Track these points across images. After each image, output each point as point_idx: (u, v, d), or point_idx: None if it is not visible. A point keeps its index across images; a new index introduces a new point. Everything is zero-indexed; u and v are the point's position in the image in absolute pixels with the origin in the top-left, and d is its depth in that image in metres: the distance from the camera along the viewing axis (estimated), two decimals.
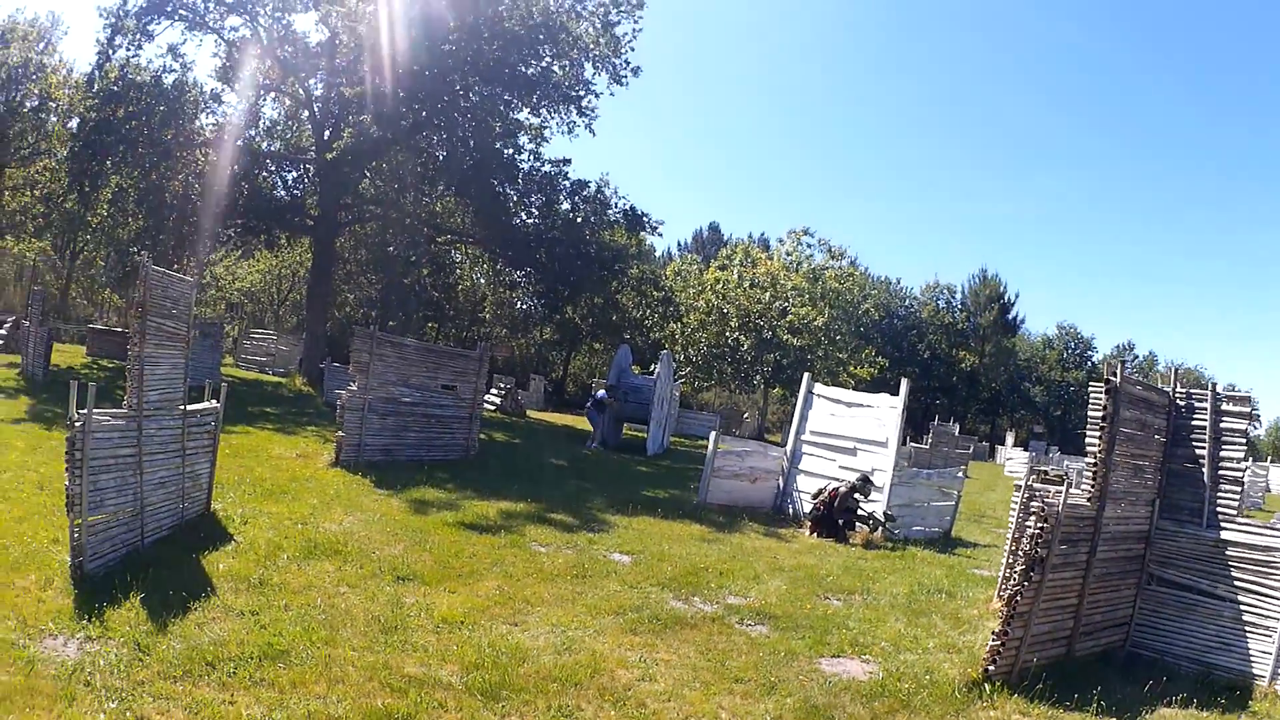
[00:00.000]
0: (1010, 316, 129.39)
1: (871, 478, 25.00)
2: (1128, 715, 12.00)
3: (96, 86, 45.94)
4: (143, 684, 9.18)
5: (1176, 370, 15.57)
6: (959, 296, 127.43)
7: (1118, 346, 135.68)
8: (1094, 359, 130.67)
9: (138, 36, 46.41)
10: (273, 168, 53.12)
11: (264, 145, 52.32)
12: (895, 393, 27.81)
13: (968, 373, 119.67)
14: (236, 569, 13.43)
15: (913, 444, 58.71)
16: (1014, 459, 73.41)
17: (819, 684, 11.76)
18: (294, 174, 55.16)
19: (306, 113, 50.29)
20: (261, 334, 66.07)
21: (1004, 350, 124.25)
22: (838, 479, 25.60)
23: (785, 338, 69.01)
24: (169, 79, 47.26)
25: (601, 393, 42.55)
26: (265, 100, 51.88)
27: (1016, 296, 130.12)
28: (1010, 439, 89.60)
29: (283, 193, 53.90)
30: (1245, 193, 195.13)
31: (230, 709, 8.85)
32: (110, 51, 45.88)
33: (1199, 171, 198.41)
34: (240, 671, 9.68)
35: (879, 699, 11.44)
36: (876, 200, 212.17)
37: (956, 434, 66.78)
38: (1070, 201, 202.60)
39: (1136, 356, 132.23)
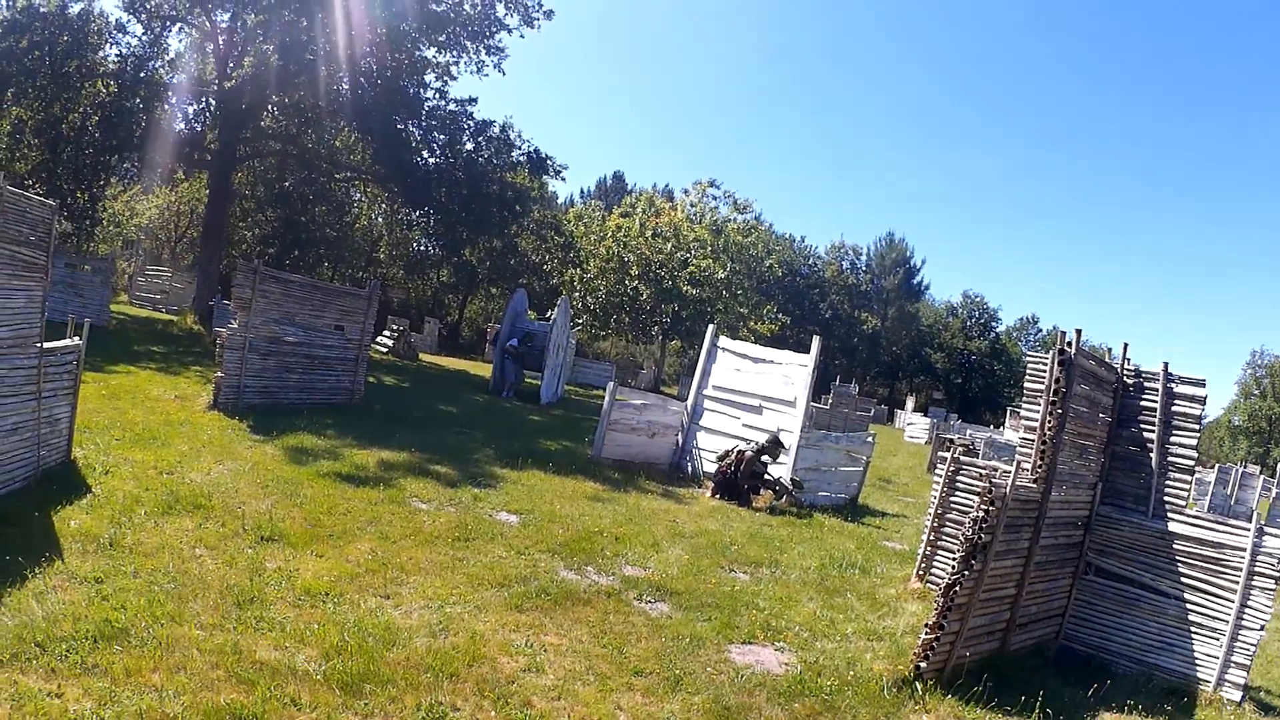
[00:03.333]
0: (915, 281, 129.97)
1: (781, 439, 23.69)
2: None
3: (3, 15, 43.69)
4: None
5: (1125, 347, 14.26)
6: (864, 259, 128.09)
7: (1021, 319, 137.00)
8: (998, 329, 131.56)
9: None
10: (173, 100, 51.04)
11: (166, 77, 50.25)
12: (798, 350, 26.76)
13: (869, 335, 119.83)
14: (88, 527, 11.92)
15: (812, 405, 58.06)
16: (914, 424, 73.54)
17: (730, 679, 10.49)
18: (195, 107, 53.23)
19: (211, 45, 48.31)
20: (156, 271, 64.02)
21: (907, 315, 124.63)
22: (742, 438, 24.69)
23: (686, 289, 68.03)
24: (75, 8, 45.33)
25: (513, 340, 41.10)
26: (170, 31, 49.75)
27: (923, 262, 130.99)
28: (910, 404, 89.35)
29: (182, 126, 51.93)
30: (1159, 176, 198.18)
31: (55, 703, 7.51)
32: None
33: (1115, 154, 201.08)
34: (72, 655, 8.30)
35: (799, 699, 10.21)
36: (785, 159, 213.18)
37: (856, 396, 66.29)
38: (982, 175, 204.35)
39: (1040, 330, 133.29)
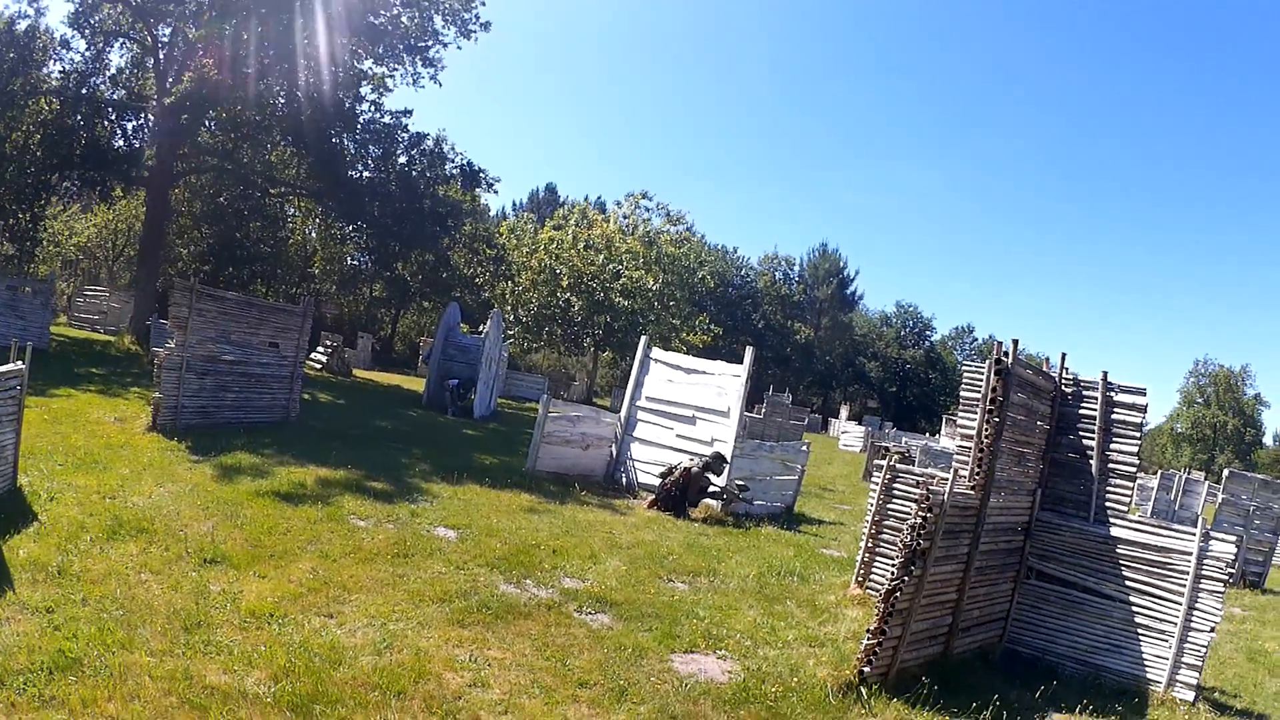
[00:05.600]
0: (849, 292, 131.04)
1: (724, 454, 23.98)
2: None
3: None
4: None
5: (1064, 356, 14.44)
6: (797, 269, 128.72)
7: (956, 328, 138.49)
8: (933, 339, 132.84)
9: None
10: (114, 116, 50.53)
11: (108, 93, 49.86)
12: (730, 361, 27.00)
13: (802, 345, 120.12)
14: (37, 555, 11.77)
15: (746, 414, 58.26)
16: (849, 432, 73.94)
17: (674, 688, 10.53)
18: (134, 123, 52.53)
19: (151, 60, 47.94)
20: (94, 291, 63.04)
21: (841, 325, 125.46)
22: (676, 449, 24.98)
23: (618, 300, 68.28)
24: (22, 25, 44.76)
25: (453, 381, 41.85)
26: (113, 47, 49.40)
27: (856, 273, 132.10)
28: (844, 413, 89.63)
29: (121, 143, 51.33)
30: (1096, 185, 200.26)
31: None
32: None
33: (1050, 164, 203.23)
34: (30, 688, 8.21)
35: (744, 706, 10.29)
36: (718, 171, 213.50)
37: (790, 405, 66.47)
38: (916, 186, 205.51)
39: (975, 339, 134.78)
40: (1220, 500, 29.67)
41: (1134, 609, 13.56)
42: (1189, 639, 13.14)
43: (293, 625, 10.64)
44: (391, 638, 10.64)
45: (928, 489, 11.53)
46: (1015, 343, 12.64)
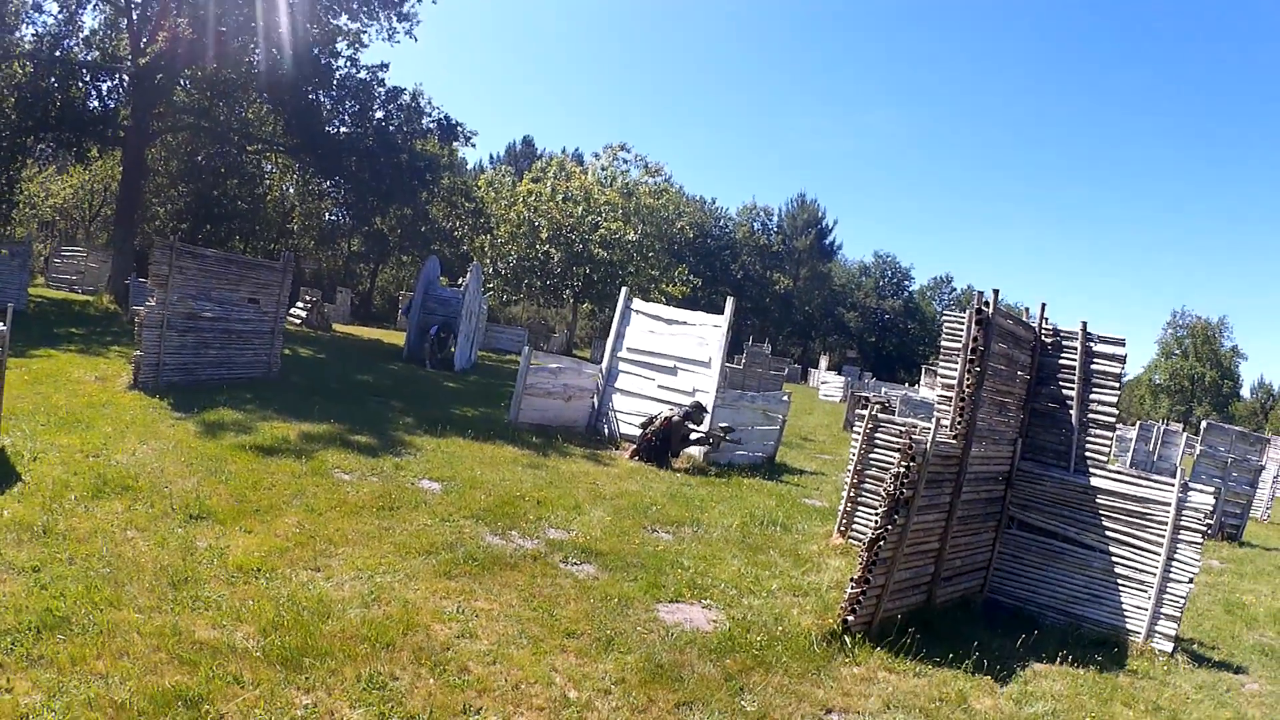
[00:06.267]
0: (827, 242, 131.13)
1: (704, 404, 24.09)
2: (1002, 672, 11.22)
3: None
4: None
5: (1044, 306, 14.48)
6: (776, 219, 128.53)
7: (935, 278, 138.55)
8: (911, 289, 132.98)
9: None
10: (88, 77, 50.19)
11: (81, 55, 49.38)
12: (709, 311, 27.06)
13: (781, 295, 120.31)
14: (21, 515, 11.67)
15: (726, 365, 58.36)
16: (829, 382, 74.09)
17: (661, 637, 10.62)
18: (109, 84, 52.15)
19: (125, 21, 47.62)
20: (72, 251, 62.67)
21: (819, 275, 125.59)
22: (658, 399, 25.09)
23: (597, 252, 68.29)
24: None
25: (434, 329, 41.44)
26: (85, 8, 48.92)
27: (835, 223, 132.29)
28: (824, 363, 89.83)
29: (96, 104, 51.03)
30: (1074, 136, 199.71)
31: (6, 698, 7.38)
32: None
33: (1028, 113, 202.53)
34: (18, 648, 8.16)
35: (730, 655, 10.36)
36: (696, 122, 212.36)
37: (769, 355, 66.56)
38: (894, 136, 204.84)
39: (954, 289, 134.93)
40: (1198, 452, 29.87)
41: (1113, 559, 13.66)
42: (1168, 589, 13.23)
43: (280, 579, 10.64)
44: (379, 590, 10.67)
45: (911, 437, 11.61)
46: (996, 292, 12.68)
